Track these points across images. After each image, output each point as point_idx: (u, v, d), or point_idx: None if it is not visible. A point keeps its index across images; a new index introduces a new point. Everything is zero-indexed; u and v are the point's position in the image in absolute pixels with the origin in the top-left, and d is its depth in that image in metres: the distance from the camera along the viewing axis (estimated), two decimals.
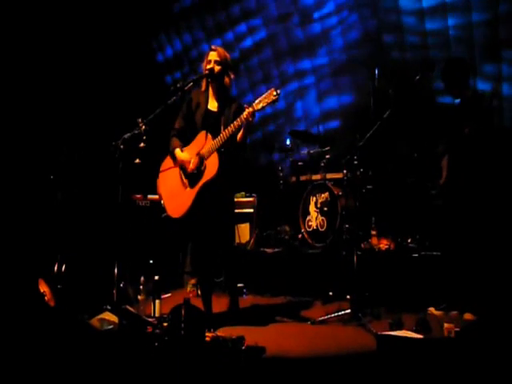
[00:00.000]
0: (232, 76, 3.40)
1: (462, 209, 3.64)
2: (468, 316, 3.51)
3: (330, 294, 4.17)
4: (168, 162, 3.54)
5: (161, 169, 3.59)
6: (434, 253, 4.15)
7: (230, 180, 3.37)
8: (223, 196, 3.36)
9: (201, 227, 3.44)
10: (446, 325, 3.10)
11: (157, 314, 3.50)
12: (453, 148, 3.78)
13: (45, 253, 4.04)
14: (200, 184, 3.30)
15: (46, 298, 3.36)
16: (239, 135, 3.26)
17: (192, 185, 3.35)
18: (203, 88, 3.46)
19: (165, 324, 2.98)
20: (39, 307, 3.09)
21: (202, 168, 3.31)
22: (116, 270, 3.31)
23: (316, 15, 6.31)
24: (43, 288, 3.42)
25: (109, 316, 3.10)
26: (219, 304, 3.63)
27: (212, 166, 3.25)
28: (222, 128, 3.27)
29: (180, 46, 7.33)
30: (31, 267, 3.70)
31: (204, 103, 3.45)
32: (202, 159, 3.32)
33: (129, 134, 3.30)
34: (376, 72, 5.26)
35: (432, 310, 3.71)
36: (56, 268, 3.86)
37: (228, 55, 3.43)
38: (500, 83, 5.09)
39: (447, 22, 5.35)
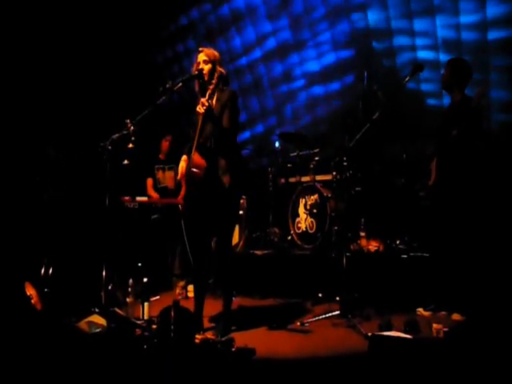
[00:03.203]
0: (222, 71, 3.37)
1: (450, 210, 3.67)
2: (456, 316, 3.54)
3: (320, 295, 4.17)
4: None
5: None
6: (423, 254, 4.18)
7: (216, 177, 3.32)
8: (217, 194, 3.32)
9: (198, 225, 3.41)
10: (434, 325, 3.13)
11: (145, 317, 3.47)
12: (441, 150, 3.81)
13: (31, 255, 3.99)
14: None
15: (32, 300, 3.31)
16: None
17: None
18: (197, 91, 3.45)
19: (154, 326, 2.96)
20: (25, 310, 3.05)
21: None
22: (104, 273, 3.28)
23: (306, 21, 6.33)
24: (30, 291, 3.37)
25: (97, 319, 3.07)
26: (209, 306, 3.60)
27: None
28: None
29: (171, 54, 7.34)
30: (17, 270, 3.64)
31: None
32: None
33: (117, 135, 3.27)
34: (365, 74, 5.29)
35: (421, 310, 3.74)
36: (43, 271, 3.80)
37: (216, 53, 3.42)
38: (488, 84, 5.14)
39: (435, 23, 5.40)
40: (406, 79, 3.68)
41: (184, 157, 3.47)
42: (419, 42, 5.56)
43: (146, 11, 6.76)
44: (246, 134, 7.19)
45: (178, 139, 5.56)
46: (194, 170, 3.25)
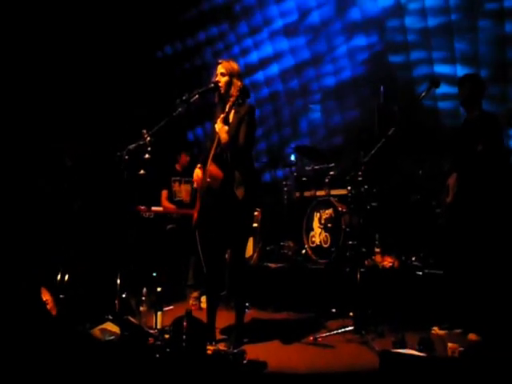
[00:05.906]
0: (239, 83, 3.35)
1: (471, 228, 3.60)
2: (472, 336, 3.47)
3: (333, 310, 4.14)
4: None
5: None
6: (439, 271, 4.12)
7: (230, 189, 3.32)
8: (231, 207, 3.33)
9: (211, 237, 3.42)
10: (449, 344, 3.07)
11: (158, 326, 3.47)
12: (462, 166, 3.74)
13: (48, 261, 4.05)
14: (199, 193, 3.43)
15: (48, 306, 3.35)
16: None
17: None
18: (217, 102, 3.49)
19: (166, 336, 2.97)
20: (41, 315, 3.08)
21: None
22: (119, 281, 3.31)
23: (323, 34, 6.40)
24: (45, 296, 3.41)
25: (110, 326, 3.09)
26: (221, 318, 3.60)
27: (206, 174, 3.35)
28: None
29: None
30: (34, 276, 3.69)
31: (217, 119, 3.47)
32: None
33: (134, 145, 3.33)
34: (381, 89, 5.30)
35: (436, 329, 3.67)
36: (59, 277, 3.85)
37: (235, 66, 3.44)
38: (506, 104, 5.09)
39: (453, 40, 5.39)
40: (422, 95, 3.68)
41: (199, 165, 3.51)
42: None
43: (171, 22, 6.89)
44: (262, 145, 7.22)
45: (194, 152, 5.63)
46: (210, 180, 3.28)
